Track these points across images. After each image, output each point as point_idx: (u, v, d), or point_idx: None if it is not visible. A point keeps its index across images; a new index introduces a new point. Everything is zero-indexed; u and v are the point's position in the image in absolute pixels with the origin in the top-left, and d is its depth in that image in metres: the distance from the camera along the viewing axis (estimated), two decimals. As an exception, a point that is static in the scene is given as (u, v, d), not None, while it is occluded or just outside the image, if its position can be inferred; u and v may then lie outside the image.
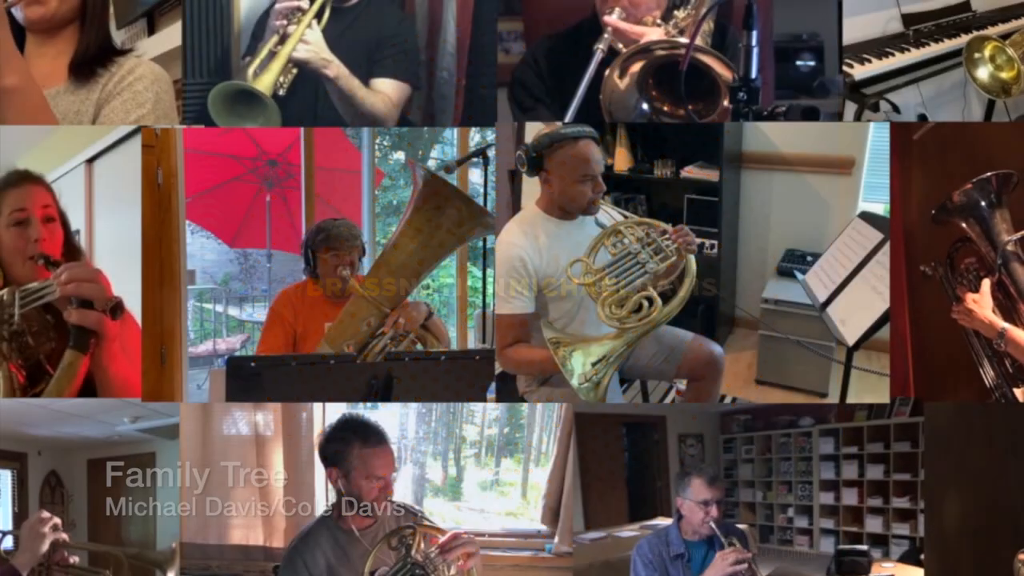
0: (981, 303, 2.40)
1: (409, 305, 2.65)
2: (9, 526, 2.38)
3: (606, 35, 2.47)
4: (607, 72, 2.33)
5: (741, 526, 3.92)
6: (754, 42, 2.00)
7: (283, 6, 2.76)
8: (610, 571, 2.73)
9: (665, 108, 2.24)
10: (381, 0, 3.03)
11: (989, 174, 2.47)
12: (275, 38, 2.74)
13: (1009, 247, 2.45)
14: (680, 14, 2.45)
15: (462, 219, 2.53)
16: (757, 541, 4.53)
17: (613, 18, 2.47)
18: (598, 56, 2.43)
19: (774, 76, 3.11)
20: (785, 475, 4.50)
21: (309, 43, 2.75)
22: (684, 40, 2.26)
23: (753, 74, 2.01)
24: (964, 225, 2.53)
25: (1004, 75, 2.73)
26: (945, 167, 2.80)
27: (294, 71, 2.75)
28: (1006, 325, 2.37)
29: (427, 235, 2.55)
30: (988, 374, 2.50)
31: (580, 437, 4.00)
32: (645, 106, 2.19)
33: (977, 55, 2.75)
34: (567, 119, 2.49)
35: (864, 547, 3.55)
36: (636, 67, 2.22)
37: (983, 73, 2.76)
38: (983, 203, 2.48)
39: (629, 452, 4.45)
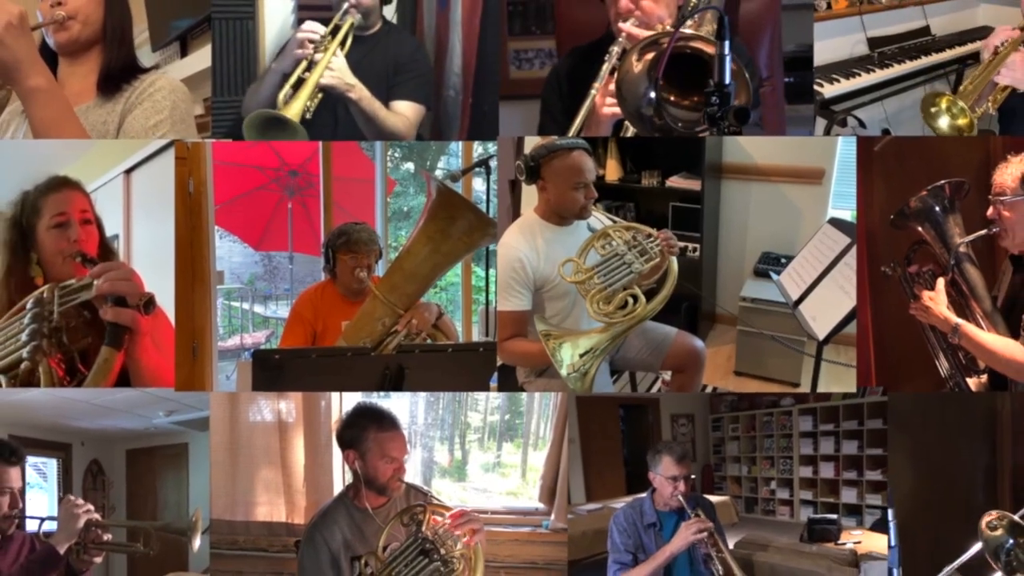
0: (936, 300, 2.40)
1: (421, 306, 2.64)
2: (55, 510, 2.37)
3: (620, 39, 2.44)
4: (624, 59, 2.29)
5: (721, 497, 3.94)
6: (726, 51, 1.98)
7: (302, 36, 2.76)
8: (603, 538, 2.75)
9: (672, 97, 2.20)
10: (399, 29, 3.04)
11: (943, 182, 2.47)
12: (303, 65, 2.73)
13: (961, 249, 2.44)
14: (689, 23, 2.42)
15: (471, 228, 2.52)
16: (742, 511, 4.55)
17: (627, 25, 2.45)
18: (613, 58, 2.40)
19: (784, 83, 3.10)
20: (768, 451, 4.52)
21: (334, 70, 2.75)
22: (689, 31, 2.21)
23: (727, 79, 1.99)
24: (920, 229, 2.52)
25: (959, 122, 2.74)
26: (905, 176, 2.80)
27: (320, 96, 2.74)
28: (959, 321, 2.36)
29: (438, 242, 2.54)
30: (943, 365, 2.50)
31: (581, 418, 4.02)
32: (652, 94, 2.15)
33: (934, 109, 2.75)
34: (581, 113, 2.46)
35: (834, 516, 3.56)
36: (651, 55, 2.19)
37: (943, 123, 2.76)
38: (937, 208, 2.48)
39: (626, 431, 4.46)
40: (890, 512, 2.22)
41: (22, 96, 2.10)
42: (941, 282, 2.43)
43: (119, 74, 2.40)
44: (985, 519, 2.07)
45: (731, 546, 3.06)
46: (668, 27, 2.42)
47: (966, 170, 2.69)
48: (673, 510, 2.57)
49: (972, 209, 2.47)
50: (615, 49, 2.44)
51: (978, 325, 2.38)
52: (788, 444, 4.40)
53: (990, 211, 2.38)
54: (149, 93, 2.37)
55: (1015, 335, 2.32)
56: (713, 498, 3.80)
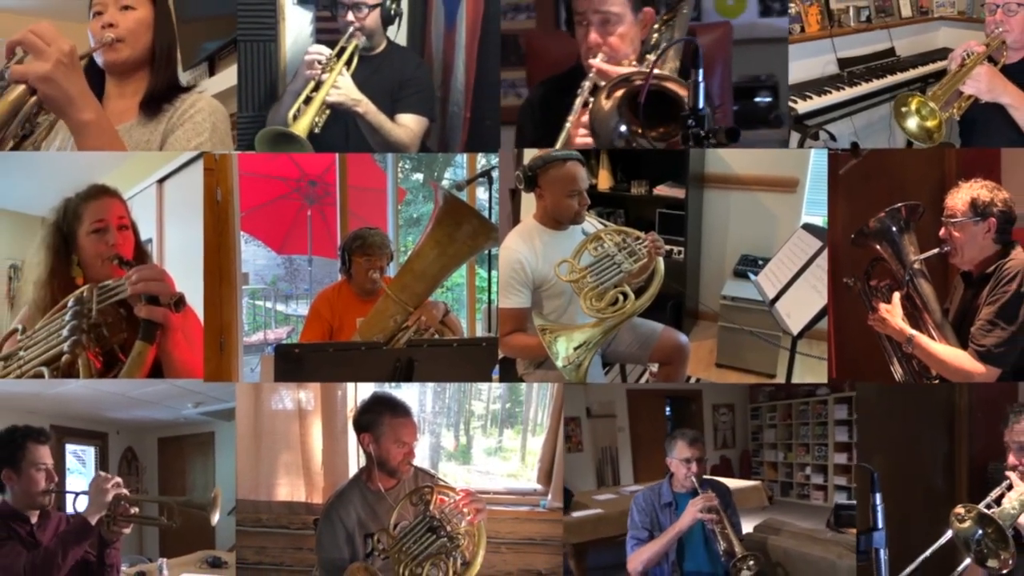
0: (893, 313, 2.40)
1: (429, 304, 2.64)
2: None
3: (591, 75, 2.44)
4: (596, 96, 2.30)
5: (752, 482, 3.89)
6: (700, 78, 1.99)
7: (309, 58, 2.75)
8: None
9: (640, 131, 2.21)
10: (401, 49, 3.04)
11: (899, 205, 2.47)
12: (311, 85, 2.72)
13: (916, 265, 2.45)
14: (651, 57, 2.42)
15: (476, 233, 2.52)
16: (778, 495, 4.52)
17: (597, 61, 2.44)
18: (585, 92, 2.39)
19: (733, 110, 3.11)
20: (804, 438, 4.46)
21: (340, 88, 2.73)
22: (657, 72, 2.23)
23: (700, 104, 2.01)
24: (878, 247, 2.52)
25: (929, 124, 2.70)
26: (866, 197, 2.79)
27: (327, 112, 2.73)
28: (913, 332, 2.37)
29: (445, 246, 2.53)
30: (897, 371, 2.51)
31: (631, 408, 4.11)
32: (623, 128, 2.16)
33: (904, 109, 2.72)
34: (558, 144, 2.44)
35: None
36: (619, 93, 2.20)
37: (912, 124, 2.73)
38: (894, 229, 2.48)
39: (672, 420, 4.45)
40: (877, 496, 2.19)
41: (73, 129, 2.04)
42: (897, 296, 2.43)
43: (162, 95, 2.35)
44: (955, 511, 2.06)
45: (751, 529, 3.06)
46: (633, 62, 2.42)
47: (923, 189, 2.70)
48: (688, 491, 2.58)
49: (928, 226, 2.48)
50: (586, 84, 2.42)
51: (930, 336, 2.39)
52: (823, 431, 4.34)
53: (942, 231, 2.40)
54: (190, 115, 2.32)
55: (964, 346, 2.33)
56: (746, 482, 3.81)
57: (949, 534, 2.07)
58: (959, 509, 2.05)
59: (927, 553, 2.14)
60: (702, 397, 4.52)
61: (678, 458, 2.60)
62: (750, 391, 4.70)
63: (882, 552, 2.17)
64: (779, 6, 3.40)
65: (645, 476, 3.97)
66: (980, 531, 2.02)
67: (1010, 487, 2.09)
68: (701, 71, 1.98)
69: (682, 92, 2.10)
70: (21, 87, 1.97)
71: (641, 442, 4.15)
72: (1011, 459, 2.18)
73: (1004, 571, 2.01)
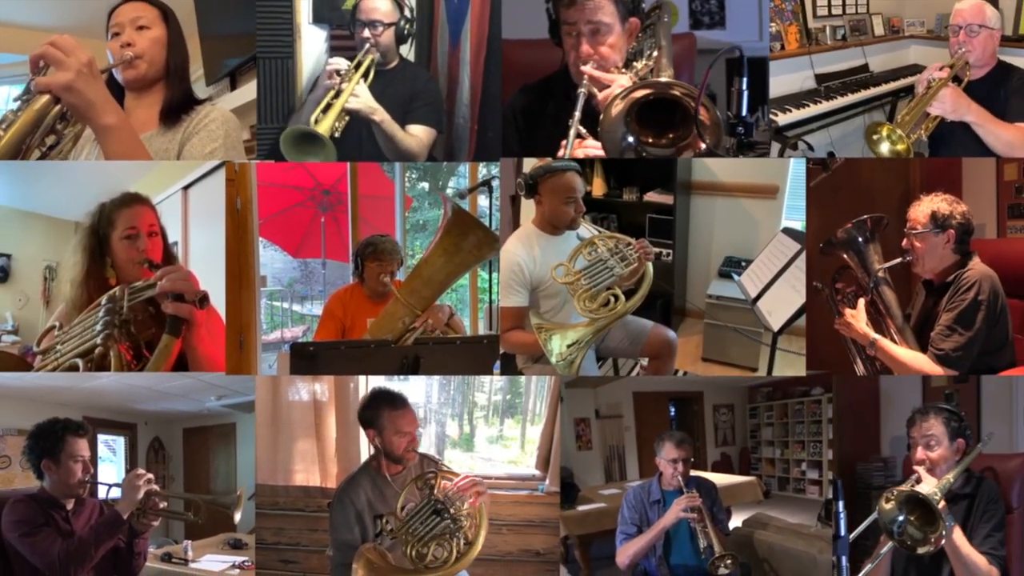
0: (857, 318, 2.41)
1: (436, 308, 2.65)
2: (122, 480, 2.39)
3: (585, 82, 2.35)
4: (609, 100, 2.20)
5: (748, 478, 3.90)
6: (744, 87, 1.93)
7: (329, 68, 2.76)
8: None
9: (650, 140, 2.15)
10: (413, 65, 3.06)
11: (865, 217, 2.48)
12: (331, 93, 2.71)
13: (880, 273, 2.46)
14: (639, 64, 2.37)
15: (480, 243, 2.52)
16: (775, 490, 4.52)
17: (588, 68, 2.36)
18: (582, 98, 2.32)
19: None
20: (799, 436, 4.45)
21: (358, 96, 2.73)
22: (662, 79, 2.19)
23: (744, 112, 1.94)
24: (845, 256, 2.53)
25: (899, 148, 2.74)
26: (837, 205, 2.81)
27: (346, 118, 2.72)
28: (876, 336, 2.38)
29: (452, 254, 2.54)
30: (860, 371, 2.52)
31: (637, 409, 4.16)
32: (631, 139, 2.09)
33: (876, 136, 2.75)
34: (568, 153, 2.34)
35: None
36: (638, 94, 2.10)
37: (884, 148, 2.76)
38: (860, 239, 2.49)
39: (675, 420, 4.46)
40: (840, 504, 2.12)
41: (97, 133, 2.06)
42: (861, 302, 2.45)
43: (178, 106, 2.39)
44: (885, 492, 1.99)
45: (740, 523, 3.05)
46: (622, 70, 2.39)
47: (890, 200, 2.71)
48: (676, 489, 2.59)
49: (892, 236, 2.48)
50: (581, 91, 2.34)
51: (892, 340, 2.40)
52: (818, 429, 4.31)
53: (905, 242, 2.40)
54: (204, 124, 2.35)
55: (924, 350, 2.34)
56: (742, 478, 3.82)
57: (873, 517, 2.00)
58: (899, 488, 1.99)
59: (854, 534, 2.10)
60: (703, 398, 4.53)
61: (665, 459, 2.62)
62: (749, 392, 4.70)
63: (843, 559, 2.11)
64: (708, 20, 3.37)
65: (649, 472, 3.93)
66: (902, 516, 1.95)
67: (919, 480, 2.06)
68: (745, 79, 1.93)
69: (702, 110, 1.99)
70: (45, 97, 2.00)
71: (646, 440, 4.18)
72: (918, 454, 2.15)
73: (936, 548, 1.92)
